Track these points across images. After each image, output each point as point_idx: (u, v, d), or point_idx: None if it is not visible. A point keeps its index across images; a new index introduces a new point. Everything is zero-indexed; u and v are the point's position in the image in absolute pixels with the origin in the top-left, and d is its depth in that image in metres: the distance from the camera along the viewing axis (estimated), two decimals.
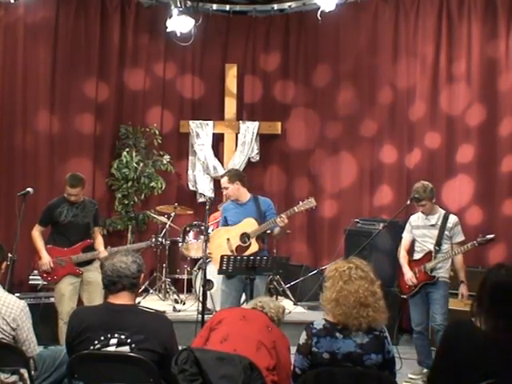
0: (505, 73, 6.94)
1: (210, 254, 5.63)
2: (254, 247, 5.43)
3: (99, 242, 5.96)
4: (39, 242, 5.79)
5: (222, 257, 5.17)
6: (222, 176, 5.88)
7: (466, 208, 7.05)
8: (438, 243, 5.51)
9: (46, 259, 5.71)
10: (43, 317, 5.83)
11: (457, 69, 7.21)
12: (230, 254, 5.35)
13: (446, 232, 5.51)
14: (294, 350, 3.34)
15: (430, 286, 5.52)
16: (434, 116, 7.33)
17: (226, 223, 5.70)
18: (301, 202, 5.40)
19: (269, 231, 5.58)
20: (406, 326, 6.47)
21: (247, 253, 5.36)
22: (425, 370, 5.60)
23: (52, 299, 6.18)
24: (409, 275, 5.60)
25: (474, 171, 7.08)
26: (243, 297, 5.67)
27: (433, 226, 5.57)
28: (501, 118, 6.96)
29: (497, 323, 2.86)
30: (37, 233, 5.81)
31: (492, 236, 5.36)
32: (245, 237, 5.44)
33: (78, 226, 5.84)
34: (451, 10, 7.24)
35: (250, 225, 5.47)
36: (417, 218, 5.73)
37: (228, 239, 5.49)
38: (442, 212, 5.62)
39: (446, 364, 3.01)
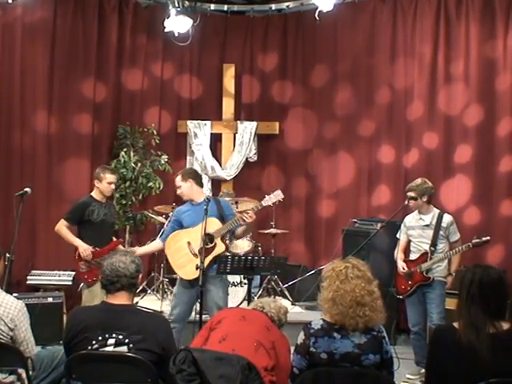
0: (503, 73, 6.94)
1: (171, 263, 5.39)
2: (220, 248, 5.17)
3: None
4: (70, 234, 5.78)
5: (220, 257, 5.16)
6: (176, 175, 5.64)
7: (463, 208, 7.06)
8: (434, 243, 5.52)
9: (85, 246, 5.68)
10: (41, 317, 5.81)
11: (455, 69, 7.22)
12: (191, 258, 5.16)
13: (441, 232, 5.52)
14: (292, 350, 3.34)
15: (426, 287, 5.54)
16: (432, 116, 7.33)
17: (177, 228, 5.37)
18: (267, 196, 5.25)
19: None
20: (403, 326, 6.47)
21: (213, 254, 5.14)
22: (422, 370, 5.59)
23: (50, 299, 6.20)
24: (399, 264, 5.65)
25: (472, 171, 7.09)
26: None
27: (427, 226, 5.59)
28: (499, 118, 6.96)
29: (471, 321, 2.92)
30: (64, 227, 5.79)
31: (487, 238, 5.37)
32: (208, 238, 5.16)
33: (108, 225, 5.92)
34: (449, 10, 7.25)
35: (212, 224, 5.15)
36: (411, 219, 5.75)
37: (189, 242, 5.21)
38: (437, 212, 5.63)
39: (434, 371, 3.04)
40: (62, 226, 5.79)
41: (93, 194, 5.92)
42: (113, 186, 5.90)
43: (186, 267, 5.20)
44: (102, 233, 5.81)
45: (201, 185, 5.48)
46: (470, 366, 2.85)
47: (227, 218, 5.24)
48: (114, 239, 6.06)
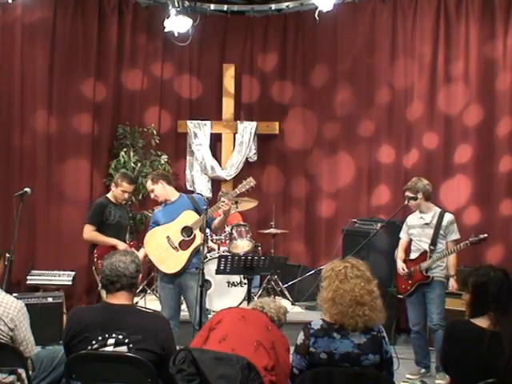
0: (502, 73, 6.95)
1: (147, 258, 5.46)
2: (200, 239, 5.21)
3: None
4: (103, 236, 5.85)
5: (219, 257, 5.17)
6: (146, 181, 5.83)
7: (463, 208, 7.06)
8: (433, 243, 5.52)
9: (124, 244, 5.83)
10: (41, 317, 5.82)
11: (454, 69, 7.22)
12: (171, 252, 5.25)
13: (441, 231, 5.52)
14: (292, 350, 3.34)
15: (425, 286, 5.53)
16: (432, 116, 7.33)
17: None
18: (240, 184, 5.39)
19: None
20: (403, 326, 6.48)
21: (193, 246, 5.23)
22: (423, 370, 5.62)
23: (50, 299, 6.20)
24: (399, 265, 5.65)
25: (472, 171, 7.09)
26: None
27: (427, 224, 5.59)
28: (498, 118, 6.96)
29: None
30: (93, 231, 5.85)
31: (484, 235, 5.37)
32: (187, 230, 5.27)
33: (123, 226, 6.07)
34: (449, 10, 7.25)
35: (189, 217, 5.29)
36: (413, 217, 5.77)
37: (168, 237, 5.30)
38: (438, 210, 5.64)
39: (448, 363, 3.07)
40: (90, 231, 5.87)
41: (108, 195, 6.07)
42: (126, 196, 6.05)
43: (167, 261, 5.28)
44: (117, 234, 5.93)
45: (171, 184, 5.59)
46: (484, 361, 2.90)
47: (202, 211, 5.29)
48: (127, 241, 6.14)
